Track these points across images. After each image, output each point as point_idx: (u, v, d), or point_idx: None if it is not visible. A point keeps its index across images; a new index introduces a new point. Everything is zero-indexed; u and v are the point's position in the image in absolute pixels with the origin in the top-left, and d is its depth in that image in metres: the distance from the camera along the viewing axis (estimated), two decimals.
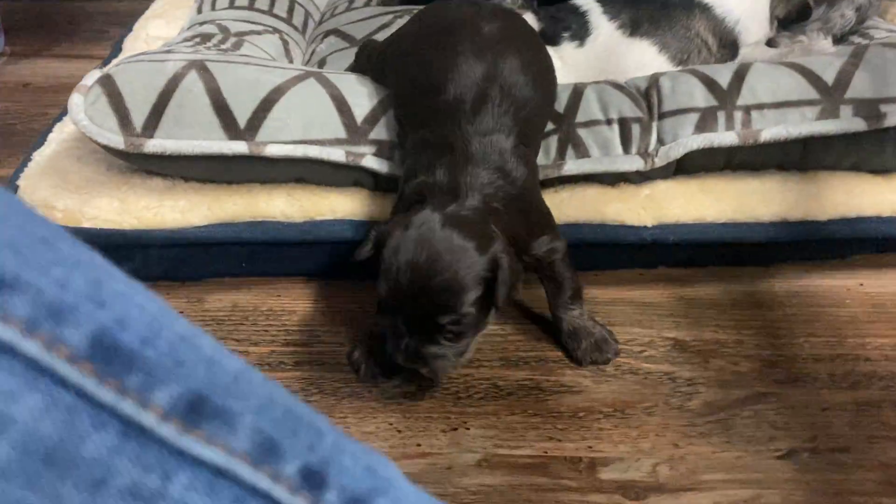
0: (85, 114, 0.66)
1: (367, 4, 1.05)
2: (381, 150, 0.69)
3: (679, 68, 0.81)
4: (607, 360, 0.63)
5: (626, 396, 0.61)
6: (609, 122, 0.71)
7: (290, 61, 0.95)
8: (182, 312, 0.70)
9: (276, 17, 1.01)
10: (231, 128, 0.67)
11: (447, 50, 0.63)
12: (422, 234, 0.54)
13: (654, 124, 0.70)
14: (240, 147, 0.67)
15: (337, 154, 0.68)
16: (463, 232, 0.54)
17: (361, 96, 0.71)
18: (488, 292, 0.55)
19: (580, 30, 0.82)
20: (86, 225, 0.68)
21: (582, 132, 0.70)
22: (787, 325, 0.67)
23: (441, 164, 0.59)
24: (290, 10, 1.04)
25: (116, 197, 0.70)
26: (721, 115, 0.69)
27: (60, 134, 0.79)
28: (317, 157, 0.68)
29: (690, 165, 0.71)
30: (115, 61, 0.73)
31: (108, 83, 0.68)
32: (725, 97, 0.70)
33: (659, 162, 0.69)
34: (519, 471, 0.55)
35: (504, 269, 0.54)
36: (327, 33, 0.99)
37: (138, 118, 0.67)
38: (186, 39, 0.89)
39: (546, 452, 0.57)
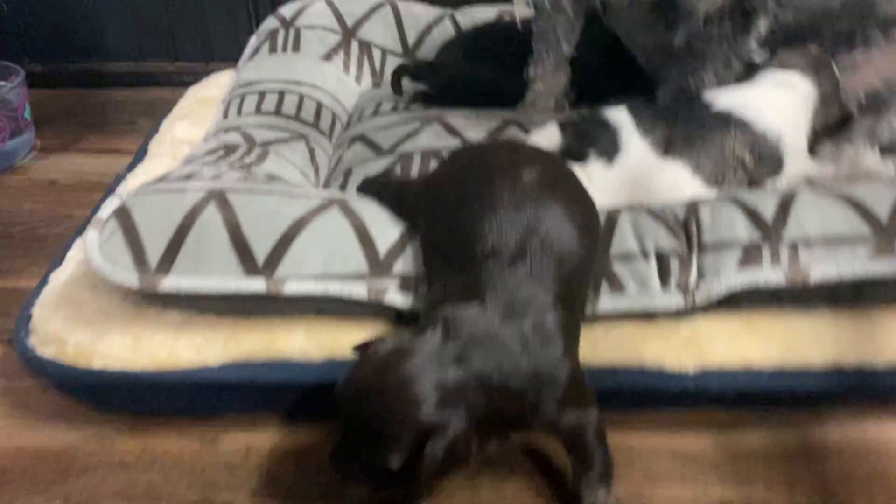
0: (99, 251, 0.64)
1: (394, 109, 1.03)
2: (406, 283, 0.66)
3: (714, 189, 0.77)
4: None
5: None
6: (645, 254, 0.67)
7: (316, 169, 0.93)
8: (197, 455, 0.66)
9: (303, 122, 1.00)
10: (249, 264, 0.64)
11: (485, 199, 0.60)
12: (378, 366, 0.53)
13: (694, 258, 0.66)
14: (258, 285, 0.64)
15: (358, 291, 0.65)
16: (418, 383, 0.51)
17: (386, 225, 0.68)
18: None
19: (609, 147, 0.78)
20: (97, 366, 0.65)
21: (617, 265, 0.66)
22: (844, 483, 0.61)
23: (463, 308, 0.55)
24: (318, 115, 1.03)
25: (130, 333, 0.67)
26: (766, 251, 0.65)
27: (79, 253, 0.77)
28: (337, 295, 0.65)
29: (733, 299, 0.67)
30: (134, 188, 0.71)
31: (123, 217, 0.66)
32: (770, 231, 0.65)
33: (700, 299, 0.65)
34: None
35: (431, 452, 0.50)
36: (354, 139, 0.97)
37: (154, 255, 0.64)
38: (210, 151, 0.88)
39: None
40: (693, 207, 0.70)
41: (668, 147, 0.78)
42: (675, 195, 0.76)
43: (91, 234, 0.65)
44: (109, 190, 0.92)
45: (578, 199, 0.64)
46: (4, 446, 0.68)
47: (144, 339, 0.67)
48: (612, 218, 0.69)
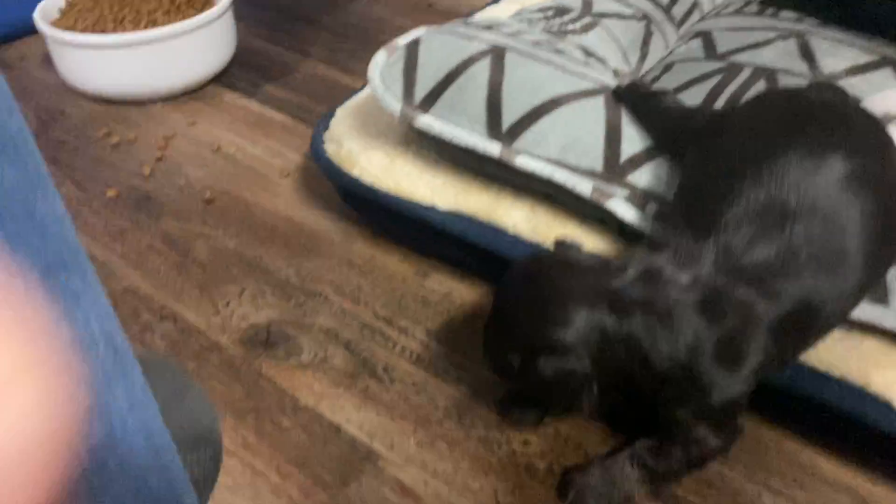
0: (379, 73, 0.69)
1: (758, 13, 0.90)
2: (634, 196, 0.61)
3: None
4: None
5: None
6: None
7: (644, 56, 0.87)
8: (404, 281, 0.72)
9: (656, 3, 0.93)
10: (494, 127, 0.65)
11: (768, 167, 0.48)
12: (545, 270, 0.51)
13: None
14: (494, 149, 0.64)
15: (584, 187, 0.62)
16: (567, 308, 0.48)
17: (639, 132, 0.62)
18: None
19: None
20: (354, 173, 0.73)
21: (891, 273, 0.53)
22: None
23: (670, 268, 0.49)
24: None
25: (389, 156, 0.73)
26: None
27: None
28: (561, 184, 0.62)
29: None
30: (427, 27, 0.74)
31: (412, 49, 0.70)
32: None
33: None
34: None
35: (541, 366, 0.47)
36: (696, 34, 0.88)
37: (421, 91, 0.68)
38: (541, 9, 0.87)
39: None
40: None
41: None
42: None
43: (380, 56, 0.70)
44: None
45: (889, 205, 0.49)
46: (282, 212, 0.81)
47: (397, 165, 0.72)
48: None
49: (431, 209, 0.69)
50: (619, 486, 0.51)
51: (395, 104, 0.68)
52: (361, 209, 0.77)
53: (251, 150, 0.91)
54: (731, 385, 0.47)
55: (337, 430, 0.59)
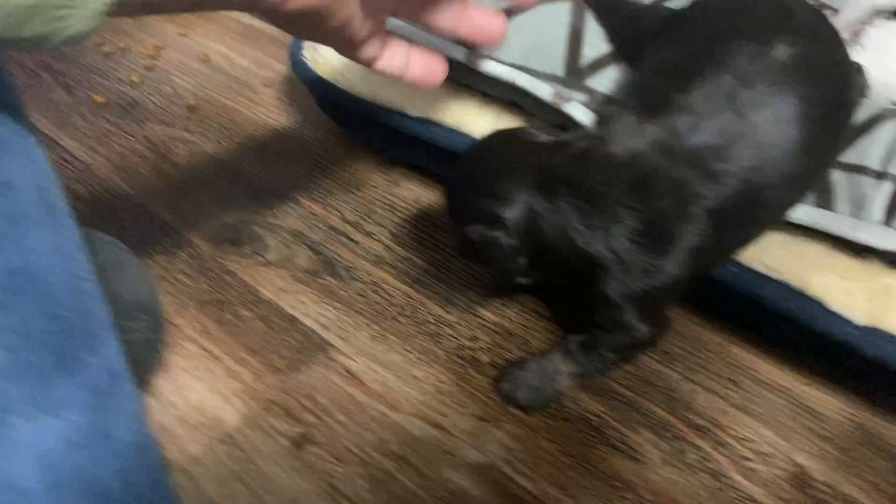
0: None
1: None
2: (593, 100, 0.61)
3: None
4: (526, 406, 0.54)
5: (684, 498, 0.50)
6: (881, 175, 0.52)
7: None
8: (375, 188, 0.73)
9: None
10: None
11: (716, 54, 0.48)
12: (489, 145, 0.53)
13: None
14: (459, 53, 0.64)
15: (544, 91, 0.62)
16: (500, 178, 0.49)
17: (600, 38, 0.62)
18: None
19: None
20: (331, 79, 0.73)
21: (837, 176, 0.53)
22: None
23: (603, 154, 0.49)
24: None
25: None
26: None
27: None
28: (523, 88, 0.62)
29: None
30: None
31: None
32: None
33: None
34: (507, 500, 0.51)
35: (470, 233, 0.49)
36: None
37: None
38: None
39: (545, 500, 0.51)
40: None
41: None
42: None
43: None
44: None
45: (831, 92, 0.49)
46: (262, 120, 0.82)
47: (373, 74, 0.72)
48: (874, 120, 0.54)
49: (404, 116, 0.70)
50: (551, 379, 0.52)
51: None
52: (336, 116, 0.78)
53: (239, 60, 0.92)
54: (660, 268, 0.47)
55: (294, 321, 0.61)
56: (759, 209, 0.48)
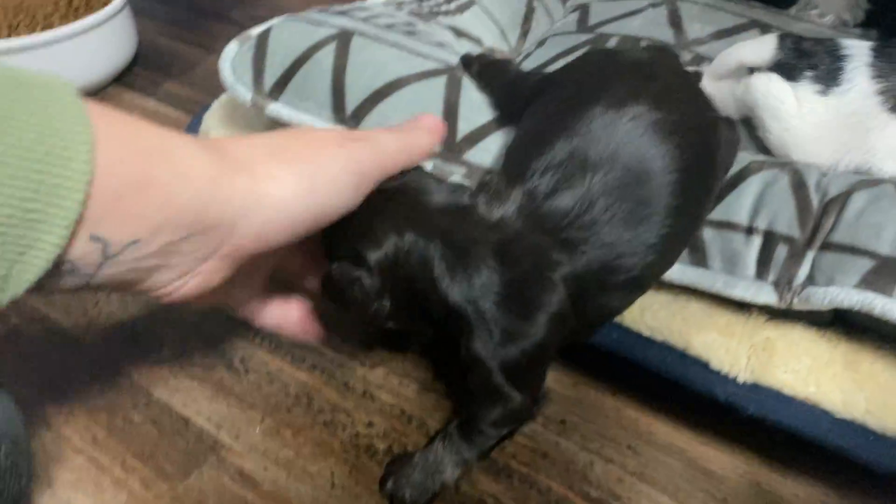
0: (230, 63, 0.69)
1: None
2: (472, 174, 0.61)
3: None
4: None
5: None
6: (751, 230, 0.52)
7: (526, 32, 0.87)
8: None
9: None
10: (339, 111, 0.65)
11: (575, 114, 0.49)
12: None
13: (811, 254, 0.50)
14: None
15: (425, 167, 0.62)
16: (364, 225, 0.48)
17: (475, 111, 0.62)
18: None
19: (828, 75, 0.61)
20: None
21: (708, 233, 0.54)
22: None
23: (474, 213, 0.49)
24: None
25: None
26: None
27: None
28: None
29: (842, 319, 0.51)
30: (287, 15, 0.74)
31: (263, 38, 0.70)
32: None
33: (798, 304, 0.50)
34: None
35: (333, 272, 0.47)
36: (577, 7, 0.88)
37: (270, 80, 0.68)
38: None
39: None
40: (851, 188, 0.52)
41: None
42: None
43: (231, 46, 0.70)
44: None
45: (694, 156, 0.49)
46: None
47: None
48: (743, 175, 0.55)
49: None
50: (435, 472, 0.51)
51: (245, 94, 0.68)
52: None
53: None
54: (523, 332, 0.46)
55: (186, 422, 0.60)
56: (619, 273, 0.47)
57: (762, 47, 0.65)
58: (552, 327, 0.46)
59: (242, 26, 1.16)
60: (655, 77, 0.51)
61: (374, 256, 0.47)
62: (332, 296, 0.49)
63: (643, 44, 0.75)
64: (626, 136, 0.47)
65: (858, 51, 0.61)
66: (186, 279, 0.42)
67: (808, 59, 0.62)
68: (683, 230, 0.50)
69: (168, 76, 1.06)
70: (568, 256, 0.46)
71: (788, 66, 0.63)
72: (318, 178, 0.44)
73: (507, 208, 0.48)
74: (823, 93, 0.61)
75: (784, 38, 0.65)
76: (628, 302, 0.51)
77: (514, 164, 0.52)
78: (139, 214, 0.37)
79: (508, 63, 0.65)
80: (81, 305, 0.70)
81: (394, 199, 0.50)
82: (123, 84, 1.05)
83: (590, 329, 0.53)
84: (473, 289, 0.46)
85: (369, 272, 0.47)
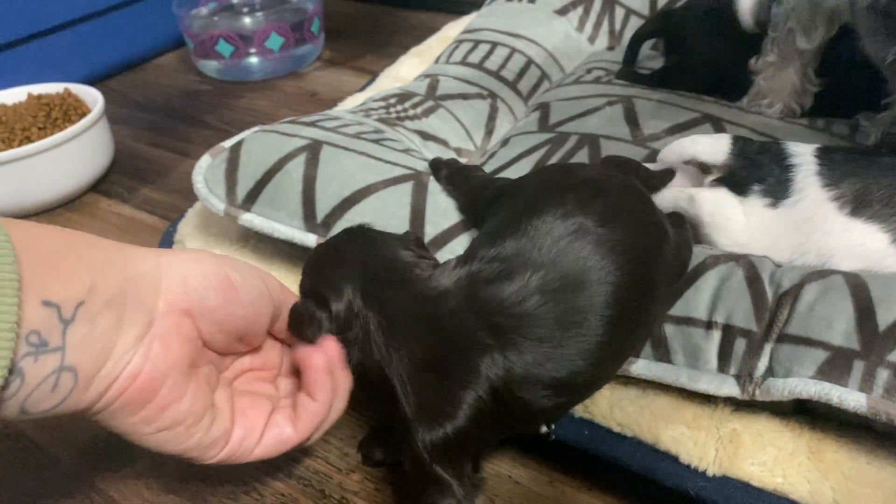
0: (203, 176, 0.72)
1: (596, 80, 0.95)
2: None
3: None
4: None
5: None
6: (710, 325, 0.54)
7: (490, 131, 0.91)
8: None
9: (501, 79, 0.97)
10: (310, 219, 0.67)
11: (527, 227, 0.52)
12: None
13: (769, 346, 0.52)
14: (311, 240, 0.66)
15: None
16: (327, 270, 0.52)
17: (441, 215, 0.65)
18: None
19: (778, 186, 0.63)
20: None
21: (669, 329, 0.55)
22: None
23: (416, 287, 0.51)
24: (521, 73, 0.99)
25: (228, 252, 0.75)
26: (858, 367, 0.48)
27: None
28: None
29: (805, 408, 0.52)
30: (259, 126, 0.77)
31: (235, 150, 0.73)
32: (874, 343, 0.48)
33: (761, 396, 0.52)
34: None
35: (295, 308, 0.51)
36: (538, 106, 0.92)
37: (242, 191, 0.70)
38: (383, 98, 0.90)
39: None
40: (802, 281, 0.54)
41: (859, 207, 0.61)
42: (858, 263, 0.61)
43: (204, 160, 0.73)
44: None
45: (632, 273, 0.50)
46: None
47: None
48: (699, 271, 0.57)
49: None
50: None
51: (218, 205, 0.70)
52: None
53: None
54: (448, 414, 0.46)
55: None
56: (547, 376, 0.48)
57: (716, 147, 0.68)
58: (474, 412, 0.46)
59: (217, 129, 1.20)
60: (604, 193, 0.54)
61: (335, 307, 0.50)
62: (293, 326, 0.52)
63: (602, 141, 0.78)
64: (568, 245, 0.50)
65: (804, 158, 0.63)
66: (146, 346, 0.44)
67: (756, 171, 0.64)
68: (619, 342, 0.51)
69: (144, 182, 1.08)
70: (496, 341, 0.47)
71: (737, 180, 0.65)
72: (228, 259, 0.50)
73: (448, 284, 0.51)
74: (773, 205, 0.63)
75: (737, 141, 0.68)
76: (559, 405, 0.51)
77: (467, 251, 0.55)
78: (72, 275, 0.40)
79: (475, 168, 0.68)
80: (49, 417, 0.70)
81: (359, 249, 0.54)
82: (100, 191, 1.07)
83: (524, 423, 0.53)
84: (402, 361, 0.47)
85: (329, 317, 0.50)
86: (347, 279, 0.51)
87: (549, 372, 0.48)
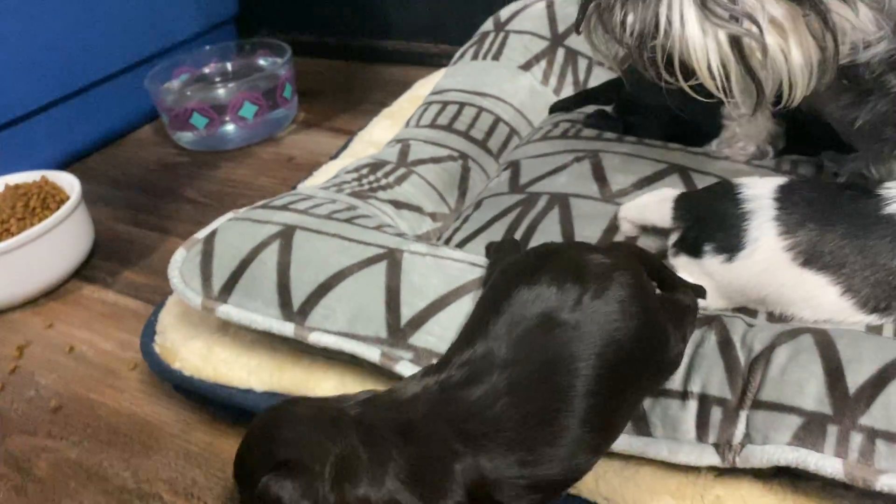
0: (179, 270, 0.72)
1: (564, 134, 0.96)
2: (419, 357, 0.63)
3: (874, 316, 0.60)
4: None
5: None
6: (685, 395, 0.55)
7: (464, 193, 0.92)
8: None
9: (471, 139, 0.98)
10: (287, 308, 0.67)
11: (506, 313, 0.52)
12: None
13: (745, 413, 0.53)
14: (288, 329, 0.67)
15: (372, 355, 0.64)
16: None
17: (416, 295, 0.65)
18: None
19: (732, 240, 0.64)
20: (176, 366, 0.74)
21: (647, 402, 0.56)
22: None
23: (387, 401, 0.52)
24: (490, 132, 1.00)
25: (208, 344, 0.75)
26: (832, 431, 0.49)
27: None
28: (354, 354, 0.65)
29: (785, 472, 0.52)
30: (232, 213, 0.78)
31: (209, 241, 0.73)
32: (846, 407, 0.49)
33: (741, 463, 0.52)
34: None
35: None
36: (508, 165, 0.93)
37: (218, 283, 0.70)
38: (356, 169, 0.91)
39: None
40: (773, 344, 0.55)
41: (811, 259, 0.62)
42: (815, 314, 0.62)
43: (178, 253, 0.73)
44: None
45: (609, 366, 0.49)
46: (126, 409, 0.82)
47: (215, 352, 0.74)
48: None
49: (249, 392, 0.71)
50: None
51: (195, 299, 0.71)
52: (193, 398, 0.78)
53: (103, 345, 0.93)
54: None
55: None
56: (522, 481, 0.48)
57: (661, 211, 0.69)
58: None
59: (196, 203, 1.21)
60: (581, 280, 0.52)
61: (294, 454, 0.48)
62: None
63: (572, 200, 0.79)
64: (539, 338, 0.50)
65: (760, 203, 0.64)
66: None
67: (704, 230, 0.65)
68: (595, 437, 0.49)
69: (127, 264, 1.09)
70: (468, 447, 0.47)
71: (688, 243, 0.66)
72: None
73: (419, 397, 0.51)
74: (729, 260, 0.64)
75: (679, 200, 0.68)
76: (537, 501, 0.50)
77: (442, 358, 0.55)
78: None
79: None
80: None
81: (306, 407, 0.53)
82: (83, 277, 1.07)
83: None
84: (383, 476, 0.47)
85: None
86: (301, 426, 0.50)
87: (522, 473, 0.48)
